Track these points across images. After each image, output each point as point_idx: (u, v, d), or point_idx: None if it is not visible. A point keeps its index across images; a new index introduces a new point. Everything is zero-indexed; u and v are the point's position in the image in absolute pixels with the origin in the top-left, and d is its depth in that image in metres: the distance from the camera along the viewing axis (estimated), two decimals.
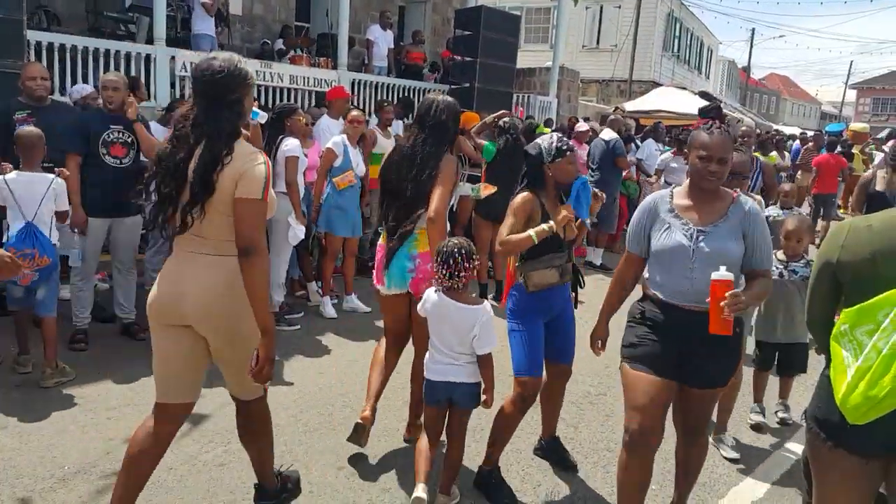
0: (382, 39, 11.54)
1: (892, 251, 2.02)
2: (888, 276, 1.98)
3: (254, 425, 2.88)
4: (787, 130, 26.34)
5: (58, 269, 4.37)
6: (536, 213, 3.23)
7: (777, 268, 4.06)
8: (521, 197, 3.26)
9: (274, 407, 4.03)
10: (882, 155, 8.23)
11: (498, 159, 6.56)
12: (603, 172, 8.34)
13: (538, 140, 3.35)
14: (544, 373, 3.36)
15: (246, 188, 2.45)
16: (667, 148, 10.22)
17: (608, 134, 8.60)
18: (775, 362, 4.32)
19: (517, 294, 3.30)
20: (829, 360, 2.18)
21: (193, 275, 2.52)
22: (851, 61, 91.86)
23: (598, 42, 24.51)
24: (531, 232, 3.13)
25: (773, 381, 4.47)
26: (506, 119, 6.83)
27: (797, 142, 16.81)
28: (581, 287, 3.54)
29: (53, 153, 4.51)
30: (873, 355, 1.91)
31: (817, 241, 11.02)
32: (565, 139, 3.35)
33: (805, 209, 11.99)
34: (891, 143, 9.86)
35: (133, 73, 8.01)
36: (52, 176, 4.26)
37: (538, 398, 3.43)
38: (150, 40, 8.62)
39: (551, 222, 3.15)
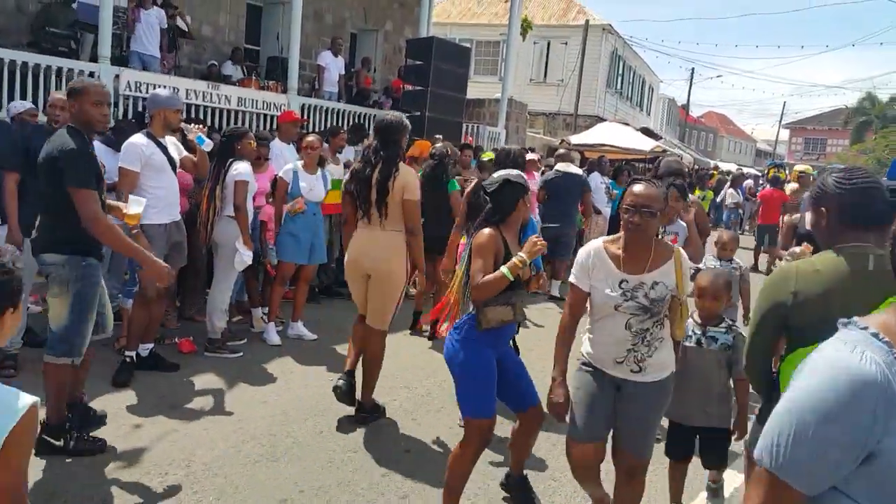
0: (333, 65, 11.57)
1: (842, 290, 2.08)
2: (841, 315, 2.04)
3: (367, 352, 4.32)
4: (724, 166, 27.43)
5: None
6: (501, 250, 3.06)
7: (693, 334, 3.30)
8: (487, 234, 3.06)
9: (213, 437, 3.95)
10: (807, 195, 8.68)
11: (424, 188, 6.58)
12: (567, 205, 8.48)
13: (505, 173, 3.21)
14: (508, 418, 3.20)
15: (409, 193, 4.12)
16: (611, 182, 10.45)
17: (574, 168, 8.81)
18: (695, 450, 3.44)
19: (469, 324, 3.08)
20: (769, 402, 2.22)
21: (374, 244, 4.19)
22: (784, 102, 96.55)
23: (545, 76, 25.07)
24: (504, 270, 2.95)
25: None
26: (437, 146, 6.77)
27: (749, 179, 17.81)
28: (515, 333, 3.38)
29: None
30: None
31: (767, 267, 11.52)
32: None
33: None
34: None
35: None
36: None
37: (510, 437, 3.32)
38: (94, 58, 8.43)
39: (521, 255, 2.99)
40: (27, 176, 4.53)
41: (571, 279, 2.94)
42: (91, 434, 3.77)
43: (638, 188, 2.75)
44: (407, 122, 4.34)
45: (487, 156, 7.71)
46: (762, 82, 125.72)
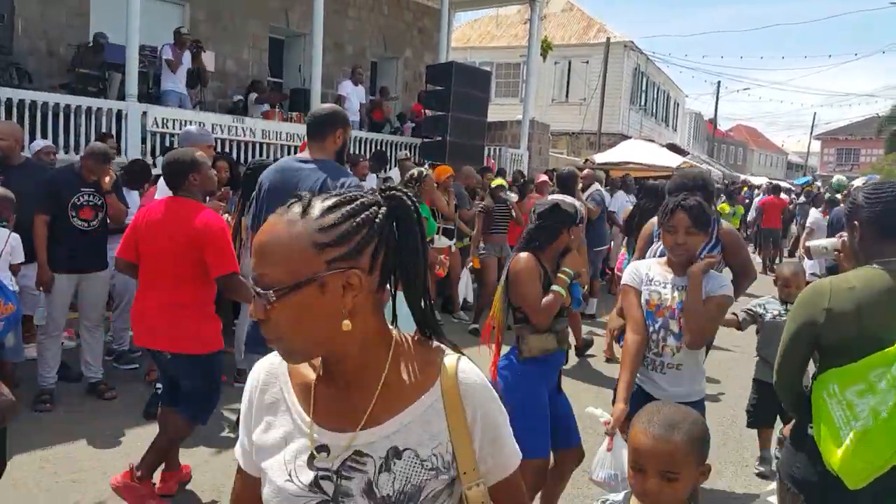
0: (354, 94, 11.73)
1: (878, 310, 2.02)
2: (874, 336, 1.98)
3: None
4: (755, 180, 27.05)
5: (20, 314, 4.37)
6: (541, 273, 3.02)
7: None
8: (525, 259, 3.01)
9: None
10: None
11: None
12: (599, 226, 8.52)
13: (560, 198, 3.23)
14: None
15: None
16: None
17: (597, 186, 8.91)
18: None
19: (513, 360, 3.01)
20: (802, 420, 2.16)
21: None
22: (815, 113, 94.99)
23: (567, 96, 25.12)
24: (557, 288, 2.97)
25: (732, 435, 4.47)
26: (415, 170, 6.73)
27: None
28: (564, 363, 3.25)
29: (24, 211, 4.56)
30: (870, 419, 1.88)
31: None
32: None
33: None
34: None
35: (104, 128, 8.04)
36: (7, 231, 4.41)
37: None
38: (121, 96, 8.68)
39: (567, 269, 3.01)
40: (56, 217, 4.70)
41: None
42: None
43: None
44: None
45: (497, 182, 7.74)
46: (791, 93, 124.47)
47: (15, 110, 7.39)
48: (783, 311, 4.08)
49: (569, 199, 3.23)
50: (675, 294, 2.86)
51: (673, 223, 2.82)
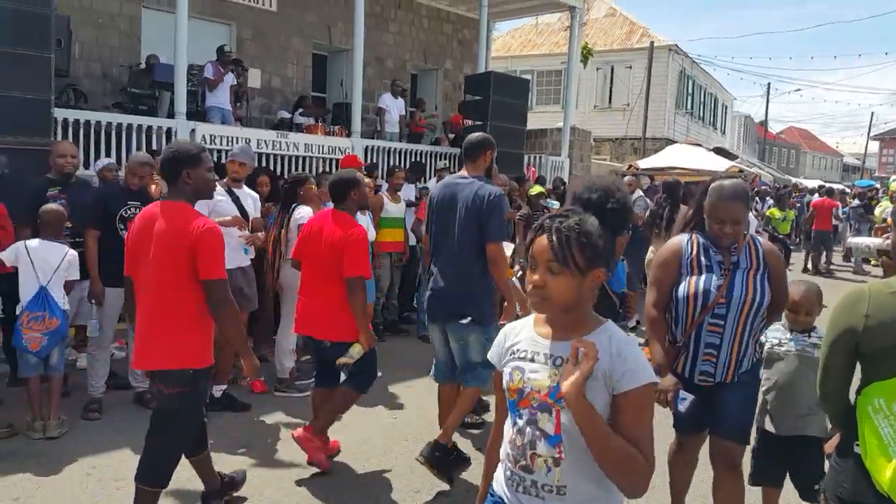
0: (394, 106, 11.91)
1: None
2: None
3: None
4: (809, 184, 26.27)
5: (66, 331, 4.60)
6: None
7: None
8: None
9: (281, 475, 4.09)
10: None
11: None
12: (643, 233, 8.51)
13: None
14: None
15: None
16: None
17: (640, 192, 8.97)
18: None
19: None
20: (847, 436, 2.06)
21: None
22: (872, 112, 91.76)
23: (610, 101, 24.93)
24: None
25: None
26: None
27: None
28: None
29: (78, 227, 4.88)
30: None
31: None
32: None
33: None
34: None
35: (155, 146, 8.34)
36: (66, 247, 4.61)
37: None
38: (171, 114, 9.00)
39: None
40: (105, 231, 4.89)
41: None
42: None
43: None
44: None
45: (536, 190, 7.75)
46: (845, 94, 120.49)
47: (71, 129, 7.74)
48: (785, 341, 3.29)
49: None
50: (549, 370, 1.76)
51: (532, 254, 1.78)
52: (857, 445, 1.98)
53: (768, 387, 3.29)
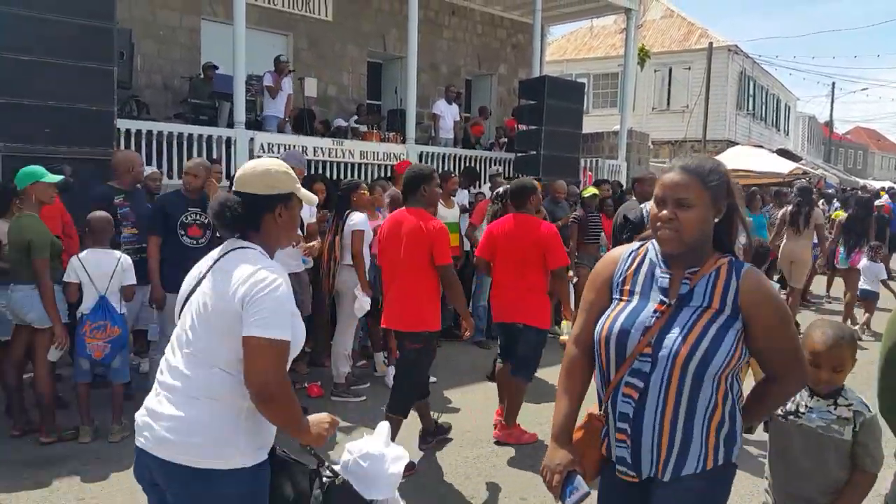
0: (448, 112, 11.91)
1: None
2: None
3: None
4: (877, 185, 25.21)
5: (128, 339, 4.67)
6: None
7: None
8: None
9: None
10: None
11: None
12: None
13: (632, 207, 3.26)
14: None
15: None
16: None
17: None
18: None
19: None
20: None
21: None
22: None
23: (668, 104, 24.47)
24: None
25: None
26: (501, 187, 6.52)
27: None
28: None
29: (142, 234, 5.02)
30: None
31: None
32: None
33: None
34: None
35: (215, 155, 8.53)
36: (119, 253, 4.63)
37: None
38: (230, 124, 9.19)
39: None
40: (167, 238, 4.97)
41: None
42: None
43: None
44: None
45: (589, 191, 7.61)
46: None
47: (133, 139, 7.97)
48: (803, 409, 2.38)
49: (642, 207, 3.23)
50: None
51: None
52: None
53: (778, 465, 2.45)
